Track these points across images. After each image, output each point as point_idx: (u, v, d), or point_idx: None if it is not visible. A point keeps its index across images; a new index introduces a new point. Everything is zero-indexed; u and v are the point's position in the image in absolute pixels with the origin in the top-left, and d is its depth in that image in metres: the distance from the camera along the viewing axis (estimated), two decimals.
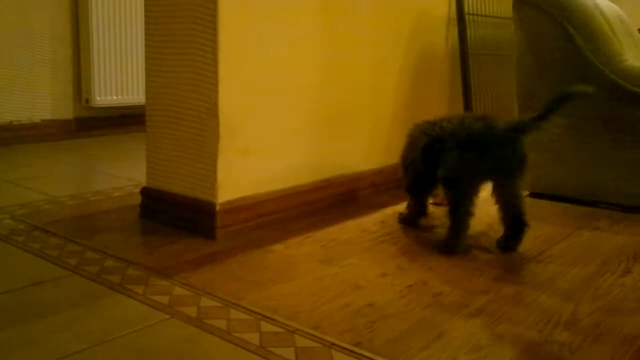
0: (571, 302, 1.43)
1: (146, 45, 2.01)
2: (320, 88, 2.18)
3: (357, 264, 1.67)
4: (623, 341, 1.24)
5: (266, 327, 1.28)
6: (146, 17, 2.00)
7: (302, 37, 2.08)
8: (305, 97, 2.13)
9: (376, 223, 2.05)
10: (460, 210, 1.76)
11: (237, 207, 1.91)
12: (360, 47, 2.33)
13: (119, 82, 3.67)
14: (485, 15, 2.93)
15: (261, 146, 1.99)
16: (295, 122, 2.11)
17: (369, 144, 2.45)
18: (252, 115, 1.94)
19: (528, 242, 1.84)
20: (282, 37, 2.00)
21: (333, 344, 1.21)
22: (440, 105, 2.80)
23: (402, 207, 2.24)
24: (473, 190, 1.76)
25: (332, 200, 2.26)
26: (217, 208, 1.85)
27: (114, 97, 3.66)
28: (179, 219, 1.93)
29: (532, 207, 2.23)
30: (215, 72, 1.81)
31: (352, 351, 1.18)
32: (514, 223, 1.80)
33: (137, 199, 2.09)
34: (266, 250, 1.77)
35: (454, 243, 1.78)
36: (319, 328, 1.28)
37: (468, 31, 2.77)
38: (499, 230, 1.84)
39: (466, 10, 2.77)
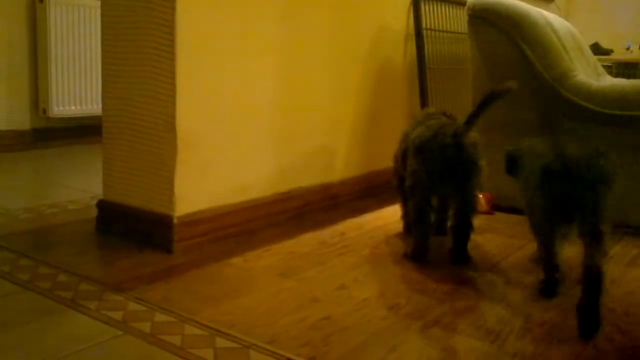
0: (524, 312, 1.46)
1: (103, 56, 1.99)
2: (278, 102, 2.19)
3: (315, 277, 1.68)
4: (574, 351, 1.27)
5: (221, 342, 1.27)
6: (103, 26, 1.98)
7: (261, 51, 2.09)
8: (263, 110, 2.13)
9: (335, 235, 2.06)
10: (415, 220, 1.78)
11: (195, 221, 1.90)
12: (318, 62, 2.35)
13: (77, 92, 3.62)
14: (442, 31, 2.99)
15: (220, 159, 1.98)
16: (254, 136, 2.11)
17: (329, 156, 2.47)
18: (210, 128, 1.93)
19: (484, 254, 1.88)
20: (240, 51, 2.00)
21: (288, 358, 1.21)
22: (399, 118, 2.84)
23: (361, 220, 2.26)
24: (426, 199, 1.76)
25: (292, 213, 2.26)
26: (175, 221, 1.84)
27: (72, 108, 3.60)
28: (135, 233, 1.91)
29: (490, 220, 2.29)
30: (173, 84, 1.80)
31: None
32: (459, 230, 1.79)
33: (94, 212, 2.06)
34: (224, 264, 1.76)
35: (413, 253, 1.80)
36: (275, 342, 1.28)
37: (426, 46, 2.82)
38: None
39: (424, 25, 2.82)
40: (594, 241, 1.38)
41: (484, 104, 1.69)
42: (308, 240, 2.00)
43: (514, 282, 1.66)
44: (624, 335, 1.34)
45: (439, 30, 2.97)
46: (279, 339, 1.29)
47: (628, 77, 4.04)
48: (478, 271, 1.75)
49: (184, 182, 1.86)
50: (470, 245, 1.82)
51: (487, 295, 1.57)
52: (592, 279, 1.34)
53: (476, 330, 1.36)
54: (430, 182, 1.73)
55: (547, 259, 1.55)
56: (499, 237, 2.07)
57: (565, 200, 1.43)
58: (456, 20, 3.11)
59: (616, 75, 3.84)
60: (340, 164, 2.52)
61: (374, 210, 2.31)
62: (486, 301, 1.53)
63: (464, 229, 1.78)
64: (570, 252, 1.58)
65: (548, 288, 1.56)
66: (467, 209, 1.76)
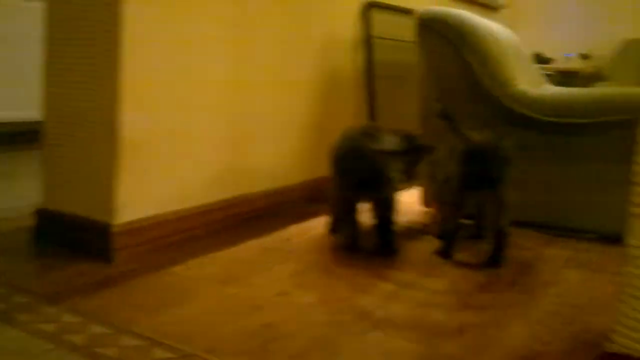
0: (459, 314, 1.49)
1: (44, 59, 1.94)
2: (224, 108, 2.17)
3: (258, 283, 1.67)
4: (505, 354, 1.30)
5: (159, 353, 1.25)
6: (45, 28, 1.93)
7: (208, 57, 2.08)
8: (208, 116, 2.12)
9: (279, 241, 2.06)
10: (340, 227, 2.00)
11: (136, 229, 1.87)
12: (267, 68, 2.34)
13: (10, 96, 3.49)
14: (391, 39, 3.03)
15: (162, 166, 1.95)
16: (198, 142, 2.09)
17: (275, 163, 2.47)
18: (152, 134, 1.90)
19: (424, 257, 1.91)
20: (186, 54, 1.98)
21: None
22: (347, 124, 2.85)
23: (307, 225, 2.26)
24: (347, 208, 1.98)
25: (236, 220, 2.25)
26: (114, 229, 1.80)
27: (3, 113, 3.48)
28: (74, 242, 1.86)
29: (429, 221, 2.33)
30: (114, 89, 1.77)
31: None
32: (379, 228, 1.95)
33: (30, 221, 2.00)
34: (165, 272, 1.73)
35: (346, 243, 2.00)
36: (214, 351, 1.26)
37: (374, 54, 2.85)
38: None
39: (373, 33, 2.84)
40: (499, 208, 1.83)
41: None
42: (252, 247, 1.99)
43: (450, 285, 1.69)
44: (553, 335, 1.38)
45: (388, 39, 3.01)
46: (218, 348, 1.28)
47: (567, 85, 4.17)
48: (417, 275, 1.77)
49: (125, 190, 1.82)
50: (412, 249, 1.85)
51: (424, 298, 1.59)
52: (499, 236, 1.83)
53: (412, 333, 1.37)
54: (350, 190, 1.95)
55: (450, 222, 1.94)
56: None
57: (480, 174, 1.83)
58: (405, 29, 3.16)
59: (556, 84, 3.96)
60: (286, 170, 2.52)
61: (319, 216, 2.31)
62: (423, 304, 1.55)
63: (383, 227, 1.95)
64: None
65: (446, 250, 1.93)
66: (383, 211, 1.94)
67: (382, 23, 2.97)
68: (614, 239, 2.06)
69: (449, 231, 1.95)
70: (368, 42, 2.83)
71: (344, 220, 2.02)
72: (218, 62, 2.12)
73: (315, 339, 1.34)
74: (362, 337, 1.35)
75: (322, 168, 2.59)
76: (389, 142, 1.97)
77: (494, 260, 1.85)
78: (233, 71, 2.19)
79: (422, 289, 1.66)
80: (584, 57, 4.90)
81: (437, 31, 2.38)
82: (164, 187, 1.97)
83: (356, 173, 1.90)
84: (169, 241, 1.97)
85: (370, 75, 2.84)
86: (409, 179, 2.21)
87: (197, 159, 2.09)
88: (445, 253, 1.93)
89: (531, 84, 2.55)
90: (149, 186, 1.91)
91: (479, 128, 1.90)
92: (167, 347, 1.27)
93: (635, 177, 1.00)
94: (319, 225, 2.25)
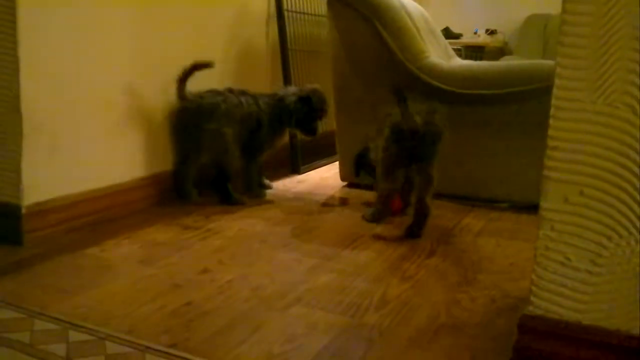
0: (381, 285, 1.52)
1: None
2: (134, 83, 2.08)
3: (177, 262, 1.63)
4: (427, 322, 1.34)
5: (75, 336, 1.20)
6: None
7: (114, 32, 1.98)
8: (118, 92, 2.02)
9: (199, 220, 2.02)
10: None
11: (47, 210, 1.78)
12: (178, 43, 2.26)
13: None
14: (304, 13, 3.00)
15: (71, 143, 1.85)
16: (109, 118, 2.00)
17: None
18: (59, 110, 1.80)
19: (346, 231, 1.93)
20: (89, 27, 1.88)
21: (148, 347, 1.16)
22: None
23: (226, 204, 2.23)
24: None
25: (154, 199, 2.18)
26: (23, 211, 1.70)
27: None
28: None
29: (348, 196, 2.36)
30: (16, 61, 1.66)
31: (167, 353, 1.15)
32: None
33: None
34: (79, 254, 1.66)
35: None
36: (133, 332, 1.23)
37: (287, 27, 2.82)
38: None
39: (285, 7, 2.81)
40: (426, 182, 1.87)
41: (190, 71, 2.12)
42: (170, 226, 1.94)
43: (372, 257, 1.72)
44: (473, 301, 1.44)
45: (301, 13, 2.98)
46: (137, 328, 1.24)
47: (475, 59, 4.32)
48: (340, 247, 1.79)
49: (33, 168, 1.72)
50: (333, 222, 1.86)
51: (348, 270, 1.61)
52: (422, 207, 1.89)
53: (336, 306, 1.39)
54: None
55: (386, 195, 2.01)
56: (358, 213, 2.13)
57: (409, 150, 1.85)
58: (317, 2, 3.14)
59: (465, 58, 4.07)
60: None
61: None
62: (347, 276, 1.57)
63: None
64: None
65: (379, 216, 2.03)
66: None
67: None
68: (526, 207, 2.18)
69: (380, 211, 2.04)
70: (281, 15, 2.79)
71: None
72: (123, 41, 2.02)
73: (238, 315, 1.33)
74: (285, 312, 1.35)
75: None
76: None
77: (414, 232, 1.90)
78: (142, 46, 2.10)
79: (345, 262, 1.68)
80: (491, 32, 5.07)
81: (348, 4, 2.38)
82: (75, 166, 1.87)
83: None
84: (82, 222, 1.88)
85: (284, 49, 2.81)
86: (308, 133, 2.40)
87: (109, 137, 2.00)
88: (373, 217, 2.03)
89: (442, 57, 2.61)
90: (59, 165, 1.82)
91: (417, 102, 1.91)
92: (84, 329, 1.23)
93: (549, 141, 1.04)
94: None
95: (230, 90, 2.24)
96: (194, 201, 2.21)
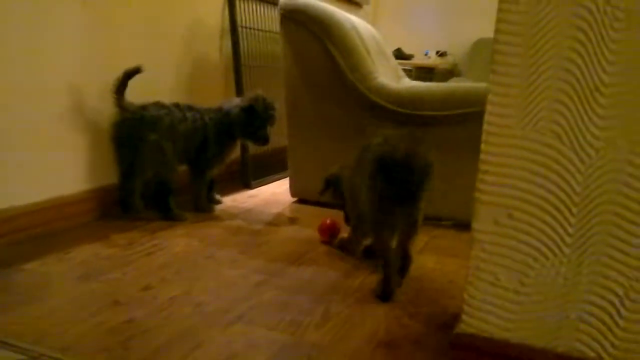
0: (324, 301, 1.53)
1: None
2: (78, 93, 2.06)
3: (119, 278, 1.61)
4: (367, 339, 1.36)
5: (6, 355, 1.17)
6: None
7: (61, 32, 1.96)
8: (61, 101, 1.99)
9: (145, 235, 2.00)
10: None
11: None
12: (129, 57, 2.25)
13: None
14: (258, 29, 3.03)
15: (14, 155, 1.82)
16: (52, 129, 1.96)
17: None
18: (1, 120, 1.77)
19: (293, 248, 1.94)
20: (36, 40, 1.86)
21: None
22: None
23: (170, 218, 2.21)
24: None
25: (100, 212, 2.15)
26: None
27: None
28: None
29: (297, 212, 2.38)
30: None
31: None
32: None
33: None
34: (17, 269, 1.62)
35: None
36: (69, 350, 1.21)
37: (241, 43, 2.84)
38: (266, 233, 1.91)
39: (239, 22, 2.83)
40: (410, 226, 1.59)
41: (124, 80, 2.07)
42: (116, 241, 1.92)
43: (316, 273, 1.74)
44: (411, 318, 1.47)
45: (254, 29, 3.00)
46: (73, 347, 1.22)
47: (425, 80, 4.42)
48: (286, 263, 1.80)
49: None
50: (281, 238, 1.86)
51: (292, 287, 1.62)
52: (404, 256, 1.63)
53: (278, 323, 1.40)
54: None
55: (386, 250, 1.58)
56: (306, 229, 2.15)
57: (399, 189, 1.49)
58: (271, 19, 3.17)
59: (416, 78, 4.17)
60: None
61: (187, 209, 2.28)
62: (290, 293, 1.58)
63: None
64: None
65: (388, 287, 1.57)
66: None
67: (248, 12, 2.96)
68: (468, 225, 2.23)
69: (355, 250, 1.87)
70: (234, 31, 2.81)
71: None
72: (71, 47, 2.00)
73: (179, 332, 1.32)
74: (226, 329, 1.35)
75: None
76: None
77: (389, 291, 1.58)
78: (91, 61, 2.08)
79: (290, 278, 1.69)
80: (441, 54, 5.21)
81: (300, 22, 2.41)
82: (17, 179, 1.83)
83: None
84: (24, 236, 1.84)
85: (238, 64, 2.82)
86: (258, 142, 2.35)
87: (54, 147, 1.96)
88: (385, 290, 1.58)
89: (391, 78, 2.67)
90: None
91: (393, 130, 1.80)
92: (16, 348, 1.20)
93: (480, 165, 1.08)
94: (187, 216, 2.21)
95: (177, 105, 2.23)
96: (139, 215, 2.18)
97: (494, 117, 1.07)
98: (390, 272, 1.56)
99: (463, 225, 2.27)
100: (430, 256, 1.96)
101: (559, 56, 1.03)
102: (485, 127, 1.08)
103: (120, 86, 2.07)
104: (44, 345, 1.22)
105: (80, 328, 1.31)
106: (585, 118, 1.03)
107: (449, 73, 5.07)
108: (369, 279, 1.71)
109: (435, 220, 2.33)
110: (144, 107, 2.13)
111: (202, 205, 2.35)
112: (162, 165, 2.14)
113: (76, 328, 1.31)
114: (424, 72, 4.87)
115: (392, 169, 1.48)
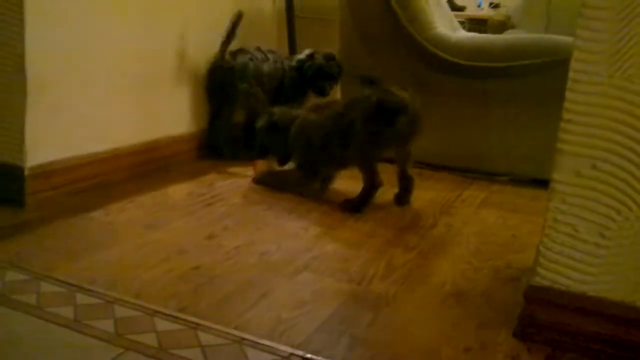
0: (387, 254, 1.53)
1: None
2: (138, 50, 2.05)
3: (183, 227, 1.64)
4: (432, 291, 1.35)
5: (82, 299, 1.20)
6: None
7: None
8: (122, 58, 1.99)
9: (203, 186, 2.02)
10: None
11: (50, 171, 1.77)
12: (182, 8, 2.22)
13: None
14: None
15: (76, 105, 1.84)
16: (114, 81, 1.97)
17: (196, 105, 2.38)
18: (65, 71, 1.78)
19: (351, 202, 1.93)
20: None
21: (156, 311, 1.17)
22: None
23: (231, 169, 2.22)
24: None
25: (158, 164, 2.17)
26: (26, 172, 1.69)
27: None
28: None
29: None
30: (22, 23, 1.63)
31: (176, 317, 1.15)
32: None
33: None
34: (84, 217, 1.66)
35: None
36: (141, 296, 1.23)
37: None
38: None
39: None
40: (407, 156, 1.90)
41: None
42: (175, 192, 1.94)
43: (375, 227, 1.73)
44: (477, 272, 1.45)
45: None
46: (145, 292, 1.25)
47: (479, 32, 4.27)
48: (344, 217, 1.79)
49: (36, 129, 1.71)
50: (337, 191, 1.91)
51: (352, 240, 1.62)
52: (406, 179, 1.92)
53: (343, 273, 1.40)
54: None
55: (372, 177, 1.85)
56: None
57: (395, 129, 1.78)
58: None
59: (468, 30, 4.04)
60: (204, 114, 2.44)
61: (243, 160, 2.27)
62: (351, 246, 1.58)
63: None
64: None
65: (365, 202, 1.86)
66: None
67: None
68: (526, 180, 2.18)
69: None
70: None
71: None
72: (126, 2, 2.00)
73: (245, 281, 1.33)
74: (292, 278, 1.36)
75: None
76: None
77: (404, 200, 1.94)
78: (143, 8, 2.06)
79: (349, 231, 1.68)
80: (495, 5, 5.03)
81: None
82: (78, 128, 1.86)
83: None
84: (86, 185, 1.88)
85: (291, 16, 2.78)
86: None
87: (112, 99, 1.98)
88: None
89: (447, 29, 2.58)
90: (62, 126, 1.80)
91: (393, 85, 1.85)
92: (91, 292, 1.23)
93: (564, 114, 1.04)
94: (243, 170, 2.20)
95: (258, 48, 2.40)
96: (226, 156, 2.34)
97: (581, 63, 1.02)
98: (371, 192, 1.84)
99: (520, 181, 2.22)
100: (490, 210, 1.92)
101: None
102: (570, 74, 1.03)
103: (229, 35, 2.27)
104: (117, 290, 1.24)
105: (149, 274, 1.33)
106: None
107: (502, 25, 4.89)
108: (429, 233, 1.70)
109: (491, 175, 2.28)
110: (234, 56, 2.31)
111: None
112: (254, 109, 2.28)
113: (146, 274, 1.33)
114: (476, 24, 4.72)
115: (388, 112, 1.77)
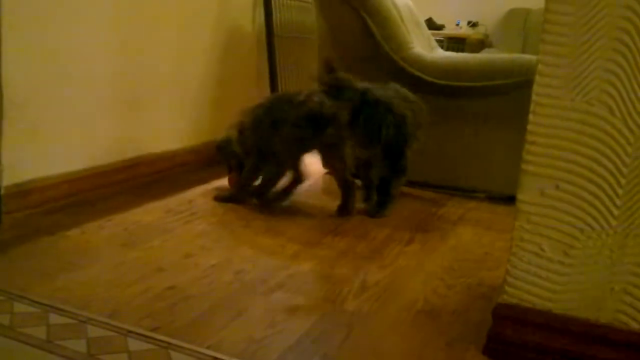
0: (362, 271, 1.54)
1: None
2: (117, 67, 2.07)
3: (160, 246, 1.64)
4: (405, 308, 1.37)
5: (55, 319, 1.20)
6: None
7: (96, 14, 1.96)
8: (100, 74, 2.01)
9: (183, 203, 2.03)
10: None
11: (26, 190, 1.77)
12: (160, 28, 2.25)
13: None
14: None
15: (53, 125, 1.85)
16: (91, 102, 1.99)
17: (176, 123, 2.40)
18: (41, 92, 1.79)
19: (326, 217, 1.95)
20: (73, 14, 1.87)
21: (130, 331, 1.17)
22: (248, 84, 2.82)
23: (209, 187, 2.24)
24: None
25: (137, 181, 2.18)
26: (2, 192, 1.69)
27: None
28: None
29: (331, 182, 2.38)
30: None
31: (149, 337, 1.16)
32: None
33: None
34: (59, 236, 1.66)
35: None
36: (115, 316, 1.23)
37: (274, 13, 2.82)
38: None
39: None
40: (344, 166, 1.96)
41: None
42: (154, 209, 1.95)
43: (352, 244, 1.75)
44: (449, 289, 1.47)
45: None
46: (119, 312, 1.25)
47: (456, 51, 4.34)
48: (322, 234, 1.81)
49: (12, 149, 1.71)
50: (315, 208, 1.90)
51: (328, 257, 1.64)
52: (347, 187, 1.99)
53: (317, 292, 1.41)
54: None
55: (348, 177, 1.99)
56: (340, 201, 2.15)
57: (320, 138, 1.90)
58: None
59: (446, 49, 4.10)
60: (187, 131, 2.46)
61: (222, 178, 2.29)
62: (327, 263, 1.59)
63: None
64: None
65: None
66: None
67: None
68: (502, 198, 2.22)
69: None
70: (267, 1, 2.79)
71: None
72: (105, 25, 2.01)
73: (221, 299, 1.34)
74: (267, 297, 1.37)
75: (223, 129, 2.56)
76: None
77: (345, 210, 2.00)
78: (125, 29, 2.09)
79: (326, 249, 1.70)
80: (473, 24, 5.11)
81: None
82: (56, 148, 1.87)
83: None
84: (63, 204, 1.88)
85: (270, 35, 2.81)
86: None
87: (92, 118, 1.99)
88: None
89: (424, 47, 2.63)
90: (39, 147, 1.81)
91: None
92: (64, 312, 1.23)
93: (528, 136, 1.07)
94: (221, 187, 2.22)
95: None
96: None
97: (543, 87, 1.06)
98: (352, 194, 1.99)
99: (496, 198, 2.26)
100: (466, 227, 1.95)
101: (611, 26, 1.01)
102: (533, 97, 1.06)
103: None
104: (91, 310, 1.25)
105: (124, 294, 1.34)
106: (637, 89, 1.01)
107: (481, 44, 4.98)
108: (405, 249, 1.72)
109: (469, 192, 2.31)
110: None
111: None
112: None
113: (121, 294, 1.34)
114: (455, 43, 4.79)
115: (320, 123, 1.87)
